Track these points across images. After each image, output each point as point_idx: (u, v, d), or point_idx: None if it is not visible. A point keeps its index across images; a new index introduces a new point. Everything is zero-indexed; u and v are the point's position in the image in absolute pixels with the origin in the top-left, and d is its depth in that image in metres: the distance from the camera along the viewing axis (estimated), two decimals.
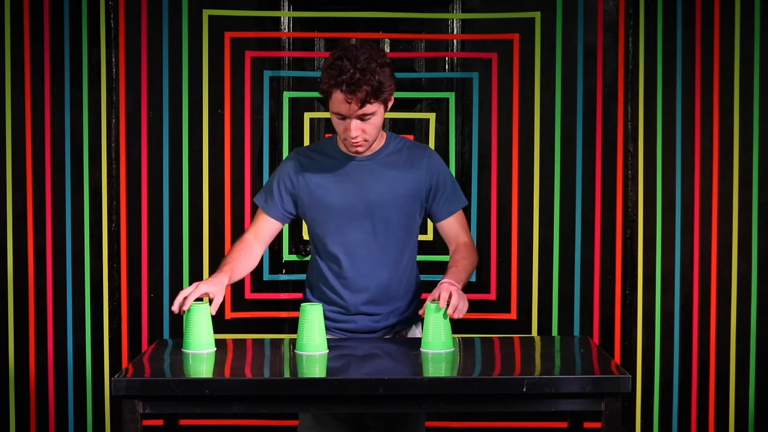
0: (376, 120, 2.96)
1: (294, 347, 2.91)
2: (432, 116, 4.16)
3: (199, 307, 2.84)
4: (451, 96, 4.16)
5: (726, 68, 4.05)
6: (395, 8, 4.13)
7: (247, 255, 3.10)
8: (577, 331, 4.16)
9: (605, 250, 4.14)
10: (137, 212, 4.12)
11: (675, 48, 4.06)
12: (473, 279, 4.08)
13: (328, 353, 2.86)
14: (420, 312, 2.93)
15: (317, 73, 2.98)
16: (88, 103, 4.07)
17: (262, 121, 4.13)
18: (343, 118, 2.94)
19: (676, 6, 4.05)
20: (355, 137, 2.95)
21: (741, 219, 4.09)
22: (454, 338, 2.93)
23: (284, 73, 4.16)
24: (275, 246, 4.12)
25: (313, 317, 2.85)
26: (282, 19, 4.15)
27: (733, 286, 4.11)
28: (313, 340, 2.85)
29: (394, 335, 3.20)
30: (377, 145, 3.10)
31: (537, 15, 4.08)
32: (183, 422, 3.86)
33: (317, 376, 2.65)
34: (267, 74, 4.12)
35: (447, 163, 4.08)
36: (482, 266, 4.13)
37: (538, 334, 4.16)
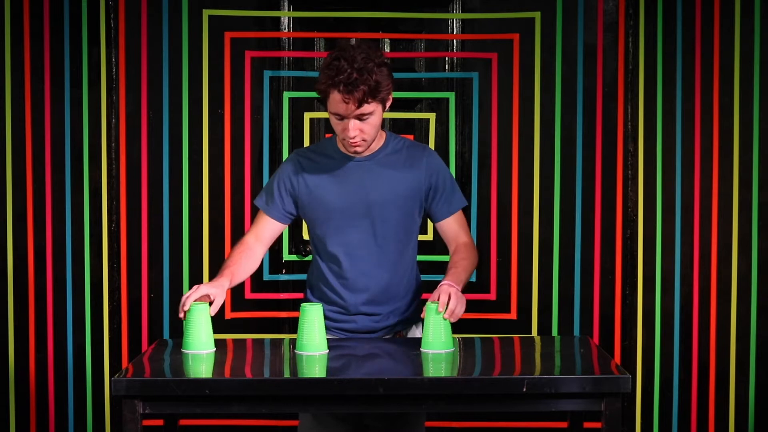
0: (375, 120, 2.96)
1: (294, 347, 2.91)
2: (432, 116, 4.16)
3: (199, 307, 2.84)
4: (451, 96, 4.16)
5: (726, 68, 4.05)
6: (395, 8, 4.13)
7: (248, 258, 3.10)
8: (577, 331, 4.16)
9: (605, 250, 4.14)
10: (137, 212, 4.12)
11: (675, 48, 4.06)
12: (473, 279, 4.08)
13: (328, 353, 2.86)
14: (422, 315, 2.93)
15: (317, 73, 2.98)
16: (88, 103, 4.07)
17: (262, 121, 4.13)
18: (341, 118, 2.94)
19: (676, 6, 4.05)
20: (354, 137, 2.96)
21: (741, 219, 4.09)
22: (454, 338, 2.93)
23: (284, 73, 4.16)
24: (275, 246, 4.12)
25: (313, 317, 2.85)
26: (282, 19, 4.15)
27: (733, 286, 4.11)
28: (313, 340, 2.85)
29: (394, 335, 3.20)
30: (376, 145, 3.10)
31: (537, 15, 4.08)
32: (183, 422, 3.86)
33: (317, 376, 2.65)
34: (267, 74, 4.12)
35: (447, 163, 4.08)
36: (482, 266, 4.13)
37: (538, 334, 4.16)
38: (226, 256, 3.79)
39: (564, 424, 4.12)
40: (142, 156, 4.11)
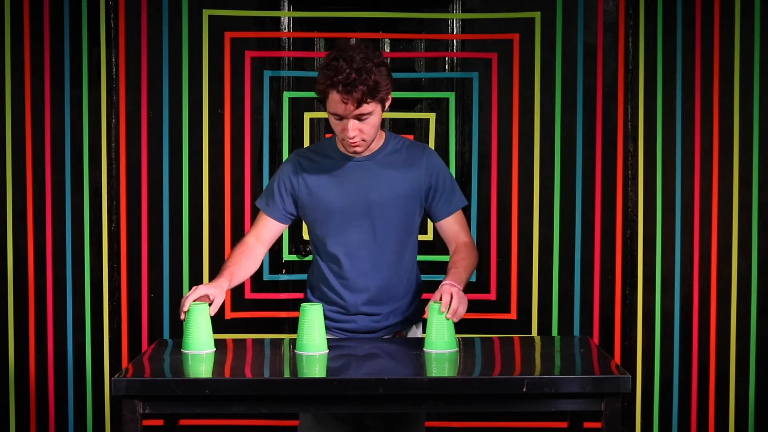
0: (374, 120, 2.96)
1: (294, 347, 2.91)
2: (432, 116, 4.16)
3: (199, 307, 2.84)
4: (451, 96, 4.16)
5: (726, 68, 4.05)
6: (395, 8, 4.13)
7: (248, 258, 3.10)
8: (577, 331, 4.16)
9: (605, 250, 4.14)
10: (137, 212, 4.12)
11: (675, 48, 4.06)
12: (473, 279, 4.08)
13: (328, 353, 2.86)
14: (425, 315, 2.92)
15: (317, 73, 2.99)
16: (88, 103, 4.08)
17: (262, 121, 4.13)
18: (341, 118, 2.94)
19: (676, 6, 4.05)
20: (353, 137, 2.96)
21: (741, 219, 4.09)
22: (456, 338, 2.93)
23: (284, 73, 4.16)
24: (275, 246, 4.11)
25: (313, 317, 2.85)
26: (282, 19, 4.15)
27: (733, 286, 4.11)
28: (313, 340, 2.85)
29: (394, 335, 3.20)
30: (376, 145, 3.10)
31: (537, 15, 4.08)
32: (183, 422, 3.86)
33: (317, 376, 2.65)
34: (267, 74, 4.12)
35: (447, 163, 4.08)
36: (482, 266, 4.13)
37: (538, 334, 4.16)
38: (226, 256, 3.79)
39: (564, 424, 4.12)
40: (142, 156, 4.11)
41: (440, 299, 2.87)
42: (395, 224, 3.10)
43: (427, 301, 3.30)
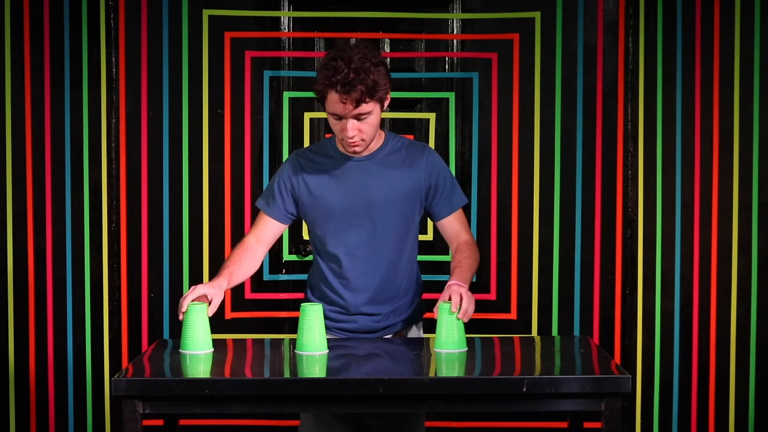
0: (373, 119, 2.96)
1: (294, 347, 2.91)
2: (432, 116, 4.16)
3: (197, 308, 2.84)
4: (451, 96, 4.16)
5: (726, 68, 4.05)
6: (395, 8, 4.13)
7: (248, 258, 3.10)
8: (577, 331, 4.16)
9: (605, 250, 4.14)
10: (137, 212, 4.12)
11: (675, 48, 4.06)
12: (473, 279, 4.08)
13: (328, 353, 2.86)
14: (434, 315, 2.91)
15: (317, 73, 2.99)
16: (88, 103, 4.08)
17: (262, 121, 4.13)
18: (339, 118, 2.94)
19: (676, 6, 4.05)
20: (352, 137, 2.96)
21: (741, 219, 4.09)
22: (466, 338, 2.93)
23: (284, 73, 4.16)
24: (275, 246, 4.11)
25: (313, 317, 2.85)
26: (282, 19, 4.15)
27: (733, 286, 4.11)
28: (313, 340, 2.84)
29: (394, 335, 3.20)
30: (375, 145, 3.10)
31: (537, 15, 4.08)
32: (183, 422, 3.86)
33: (317, 376, 2.65)
34: (267, 74, 4.12)
35: (447, 162, 4.08)
36: (482, 266, 4.13)
37: (538, 334, 4.16)
38: (226, 256, 3.79)
39: (564, 424, 4.12)
40: (142, 156, 4.11)
41: (449, 299, 2.86)
42: (395, 224, 3.10)
43: (427, 300, 3.31)
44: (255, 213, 3.28)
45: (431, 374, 2.68)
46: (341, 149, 3.10)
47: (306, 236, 4.14)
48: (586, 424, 3.19)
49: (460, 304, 2.85)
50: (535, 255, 4.15)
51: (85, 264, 4.10)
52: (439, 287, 3.21)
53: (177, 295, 4.05)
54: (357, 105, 2.88)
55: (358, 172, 3.08)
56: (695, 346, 4.14)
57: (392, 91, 3.01)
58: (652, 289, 4.13)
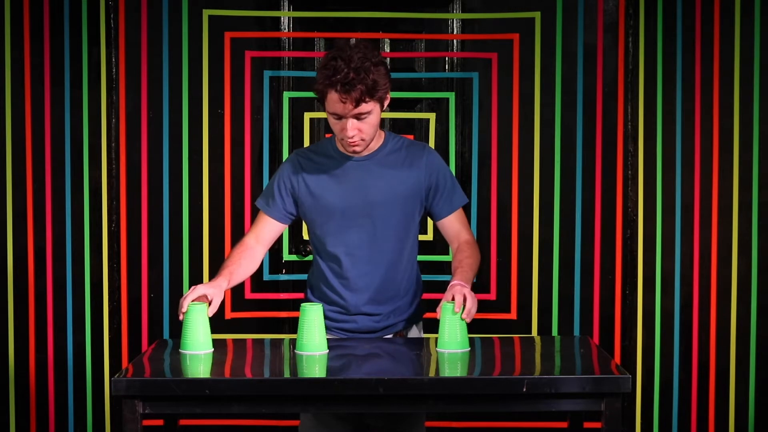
0: (373, 119, 2.96)
1: (294, 347, 2.91)
2: (432, 116, 4.16)
3: (197, 308, 2.84)
4: (451, 96, 4.16)
5: (726, 68, 4.05)
6: (395, 8, 4.13)
7: (247, 258, 3.10)
8: (577, 331, 4.16)
9: (605, 250, 4.14)
10: (137, 212, 4.12)
11: (675, 48, 4.06)
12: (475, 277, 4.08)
13: (328, 353, 2.86)
14: (437, 315, 2.91)
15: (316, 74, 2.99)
16: (88, 103, 4.07)
17: (262, 121, 4.13)
18: (339, 118, 2.94)
19: (676, 6, 4.05)
20: (352, 137, 2.96)
21: (741, 219, 4.09)
22: (469, 338, 2.93)
23: (284, 73, 4.16)
24: (275, 246, 4.11)
25: (313, 317, 2.85)
26: (282, 19, 4.15)
27: (733, 286, 4.11)
28: (313, 340, 2.84)
29: (394, 335, 3.20)
30: (375, 145, 3.10)
31: (537, 15, 4.08)
32: (183, 422, 3.86)
33: (317, 376, 2.65)
34: (267, 74, 4.12)
35: (447, 162, 4.08)
36: (482, 266, 4.11)
37: (538, 334, 4.16)
38: (226, 256, 3.79)
39: (564, 424, 4.12)
40: (142, 156, 4.11)
41: (452, 299, 2.86)
42: (395, 224, 3.10)
43: (427, 300, 3.31)
44: (255, 213, 3.28)
45: (431, 374, 2.68)
46: (341, 149, 3.10)
47: (306, 236, 4.14)
48: (586, 424, 3.19)
49: (464, 305, 2.85)
50: (535, 255, 4.15)
51: (85, 264, 4.10)
52: (439, 287, 3.21)
53: (177, 295, 4.05)
54: (357, 104, 2.88)
55: (358, 172, 3.08)
56: (695, 346, 4.14)
57: (392, 91, 3.01)
58: (652, 289, 4.13)
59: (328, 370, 2.71)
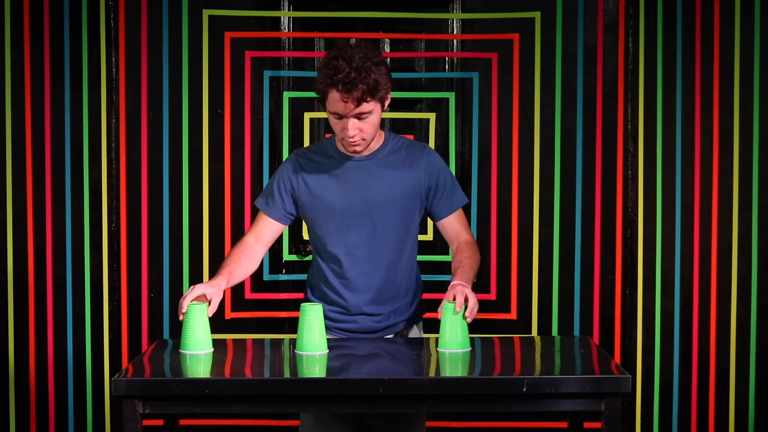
0: (373, 119, 2.96)
1: (294, 347, 2.91)
2: (432, 116, 4.16)
3: (197, 308, 2.84)
4: (451, 96, 4.16)
5: (726, 68, 4.05)
6: (395, 8, 4.13)
7: (247, 258, 3.10)
8: (577, 331, 4.16)
9: (605, 250, 4.14)
10: (137, 212, 4.12)
11: (675, 48, 4.06)
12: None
13: (328, 353, 2.86)
14: (438, 315, 2.91)
15: (317, 73, 2.99)
16: (88, 103, 4.07)
17: (262, 121, 4.13)
18: (340, 117, 2.94)
19: (676, 6, 4.05)
20: (353, 136, 2.96)
21: (741, 219, 4.09)
22: (470, 338, 2.93)
23: (284, 73, 4.16)
24: (275, 246, 4.11)
25: (313, 317, 2.85)
26: (282, 19, 4.15)
27: (733, 286, 4.11)
28: (313, 340, 2.84)
29: (394, 335, 3.20)
30: (375, 145, 3.10)
31: (537, 15, 4.08)
32: (183, 422, 3.86)
33: (317, 376, 2.65)
34: (267, 74, 4.12)
35: (447, 162, 4.08)
36: (482, 266, 4.11)
37: (538, 334, 4.16)
38: (226, 255, 3.79)
39: (564, 424, 4.12)
40: (142, 156, 4.11)
41: (453, 299, 2.86)
42: (395, 224, 3.10)
43: (427, 300, 3.31)
44: (255, 213, 3.27)
45: (431, 374, 2.68)
46: (341, 149, 3.10)
47: (306, 236, 4.14)
48: (586, 424, 3.19)
49: (465, 305, 2.86)
50: (535, 255, 4.15)
51: (85, 264, 4.10)
52: (439, 287, 3.22)
53: (177, 295, 4.05)
54: (358, 104, 2.88)
55: (358, 172, 3.08)
56: (695, 346, 4.14)
57: (392, 91, 3.01)
58: (652, 289, 4.13)
59: (328, 370, 2.71)
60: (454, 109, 4.16)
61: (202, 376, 2.66)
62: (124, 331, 4.14)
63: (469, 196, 4.12)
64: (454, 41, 4.18)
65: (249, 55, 4.10)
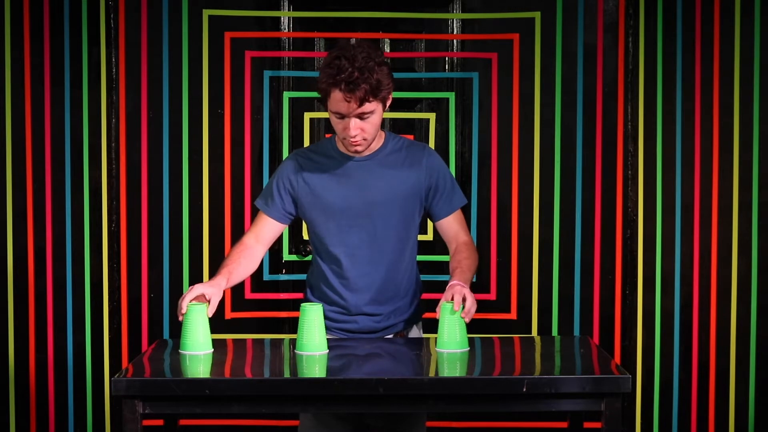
0: (375, 119, 2.96)
1: (294, 347, 2.91)
2: (432, 116, 4.16)
3: (197, 308, 2.84)
4: (451, 96, 4.16)
5: (726, 68, 4.05)
6: (395, 8, 4.13)
7: (246, 258, 3.10)
8: (577, 331, 4.16)
9: (605, 250, 4.14)
10: (137, 212, 4.12)
11: (675, 48, 4.06)
12: (473, 279, 4.08)
13: (328, 353, 2.86)
14: (437, 315, 2.91)
15: (317, 73, 2.99)
16: (88, 103, 4.08)
17: (262, 121, 4.13)
18: (342, 117, 2.94)
19: (676, 6, 4.05)
20: (354, 136, 2.96)
21: (741, 219, 4.09)
22: (468, 338, 2.93)
23: (284, 73, 4.16)
24: (275, 246, 4.12)
25: (313, 317, 2.85)
26: (282, 19, 4.15)
27: (733, 286, 4.11)
28: (313, 340, 2.84)
29: (394, 335, 3.20)
30: (376, 145, 3.10)
31: (537, 15, 4.08)
32: (183, 422, 3.86)
33: (317, 376, 2.65)
34: (267, 74, 4.12)
35: (447, 163, 4.08)
36: (482, 266, 4.13)
37: (538, 334, 4.16)
38: (226, 255, 3.79)
39: (564, 424, 4.12)
40: (142, 156, 4.11)
41: (451, 299, 2.86)
42: (395, 224, 3.10)
43: (427, 300, 3.31)
44: (255, 213, 3.27)
45: (431, 374, 2.68)
46: (341, 149, 3.10)
47: (306, 236, 4.14)
48: (586, 424, 3.19)
49: (463, 304, 2.86)
50: (535, 255, 4.15)
51: (85, 264, 4.10)
52: (439, 287, 3.21)
53: (177, 295, 4.05)
54: (361, 104, 2.88)
55: (359, 172, 3.08)
56: (695, 346, 4.14)
57: (393, 90, 3.01)
58: (652, 289, 4.13)
59: (328, 370, 2.71)
60: (454, 109, 4.16)
61: (202, 376, 2.66)
62: (124, 331, 4.14)
63: (469, 196, 4.12)
64: (454, 41, 4.18)
65: (249, 55, 4.10)
